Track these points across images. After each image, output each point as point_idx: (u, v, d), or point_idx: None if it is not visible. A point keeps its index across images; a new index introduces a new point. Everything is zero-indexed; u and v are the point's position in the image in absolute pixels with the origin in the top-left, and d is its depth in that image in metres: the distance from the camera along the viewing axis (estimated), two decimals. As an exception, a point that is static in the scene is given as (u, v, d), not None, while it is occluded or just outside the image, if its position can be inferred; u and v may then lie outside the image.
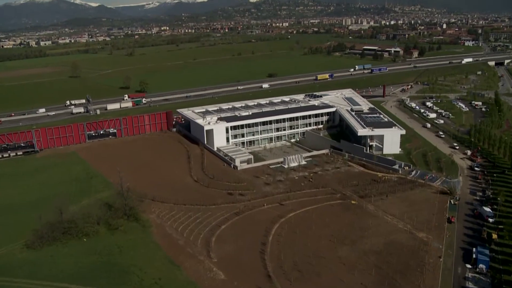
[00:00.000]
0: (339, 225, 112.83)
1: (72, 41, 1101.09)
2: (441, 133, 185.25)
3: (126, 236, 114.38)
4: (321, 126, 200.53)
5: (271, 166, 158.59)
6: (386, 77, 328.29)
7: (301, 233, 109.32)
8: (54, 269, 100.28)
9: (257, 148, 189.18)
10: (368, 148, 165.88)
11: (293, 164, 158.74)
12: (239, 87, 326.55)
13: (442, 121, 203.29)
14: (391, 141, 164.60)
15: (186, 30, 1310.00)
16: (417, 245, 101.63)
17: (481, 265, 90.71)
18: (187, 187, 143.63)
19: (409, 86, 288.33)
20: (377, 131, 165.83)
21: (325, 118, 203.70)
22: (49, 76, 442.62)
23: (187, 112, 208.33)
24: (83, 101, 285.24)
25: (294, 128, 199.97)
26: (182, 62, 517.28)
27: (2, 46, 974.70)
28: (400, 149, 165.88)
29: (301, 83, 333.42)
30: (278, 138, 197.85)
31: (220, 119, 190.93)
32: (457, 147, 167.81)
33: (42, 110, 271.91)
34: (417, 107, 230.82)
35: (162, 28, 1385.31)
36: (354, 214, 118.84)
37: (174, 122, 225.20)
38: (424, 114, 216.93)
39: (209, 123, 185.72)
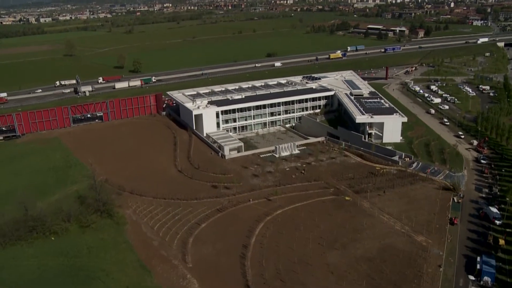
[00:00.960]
0: (330, 225, 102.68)
1: (73, 18, 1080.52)
2: (445, 120, 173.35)
3: (97, 234, 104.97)
4: (318, 110, 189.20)
5: (261, 155, 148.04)
6: (390, 58, 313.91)
7: (288, 235, 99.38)
8: (14, 274, 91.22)
9: (250, 133, 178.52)
10: (367, 136, 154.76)
11: (285, 153, 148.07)
12: (256, 64, 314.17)
13: (447, 107, 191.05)
14: (392, 129, 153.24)
15: (189, 7, 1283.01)
16: (415, 251, 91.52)
17: (486, 278, 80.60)
18: (170, 178, 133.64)
19: (414, 68, 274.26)
20: (377, 118, 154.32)
21: (322, 102, 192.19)
22: (44, 55, 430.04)
23: (177, 95, 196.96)
24: (73, 81, 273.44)
25: (289, 113, 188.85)
26: (181, 41, 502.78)
27: (1, 23, 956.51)
28: (401, 138, 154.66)
29: (303, 63, 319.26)
30: (273, 123, 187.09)
31: (211, 102, 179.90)
32: (463, 136, 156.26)
33: (3, 94, 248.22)
34: (421, 91, 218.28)
35: (164, 5, 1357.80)
36: (347, 212, 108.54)
37: (164, 105, 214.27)
38: (428, 98, 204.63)
39: (198, 107, 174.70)
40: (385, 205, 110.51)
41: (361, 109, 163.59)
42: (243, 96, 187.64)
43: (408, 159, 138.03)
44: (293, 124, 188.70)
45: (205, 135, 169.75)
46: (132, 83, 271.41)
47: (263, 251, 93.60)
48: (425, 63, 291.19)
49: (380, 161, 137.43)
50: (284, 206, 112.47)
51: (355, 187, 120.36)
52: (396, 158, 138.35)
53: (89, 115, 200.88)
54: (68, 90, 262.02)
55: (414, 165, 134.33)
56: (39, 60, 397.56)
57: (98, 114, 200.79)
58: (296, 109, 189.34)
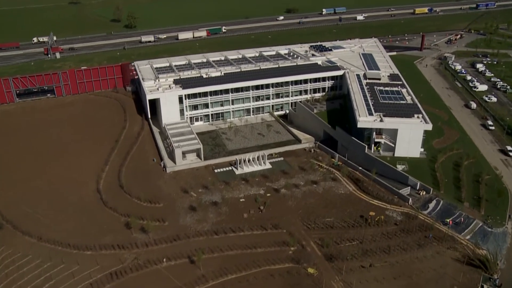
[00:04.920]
0: (263, 335, 62.24)
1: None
2: (489, 122, 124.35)
3: None
4: (320, 95, 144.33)
5: (216, 170, 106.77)
6: (431, 22, 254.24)
7: None
8: None
9: (224, 124, 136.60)
10: (372, 146, 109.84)
11: (248, 169, 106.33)
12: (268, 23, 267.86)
13: (494, 99, 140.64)
14: (409, 138, 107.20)
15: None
16: None
17: None
18: (79, 202, 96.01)
19: (458, 36, 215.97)
20: (389, 122, 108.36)
21: (328, 84, 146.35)
22: (48, 1, 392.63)
23: (144, 67, 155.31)
24: (54, 38, 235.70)
25: (282, 96, 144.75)
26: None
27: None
28: (422, 150, 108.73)
29: (324, 23, 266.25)
30: (259, 109, 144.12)
31: (177, 81, 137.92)
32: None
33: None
34: (463, 71, 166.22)
35: None
36: (302, 304, 67.32)
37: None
38: (471, 83, 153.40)
39: (158, 88, 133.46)
40: (367, 293, 68.40)
41: (371, 103, 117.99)
42: (222, 73, 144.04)
43: (424, 192, 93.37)
44: (287, 111, 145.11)
45: (163, 125, 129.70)
46: (198, 34, 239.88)
47: None
48: (474, 29, 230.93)
49: (381, 195, 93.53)
50: (209, 278, 72.66)
51: (329, 247, 78.12)
52: (407, 190, 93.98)
53: (45, 87, 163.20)
54: (42, 49, 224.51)
55: (432, 204, 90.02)
56: (39, 8, 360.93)
57: (55, 86, 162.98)
58: (292, 92, 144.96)
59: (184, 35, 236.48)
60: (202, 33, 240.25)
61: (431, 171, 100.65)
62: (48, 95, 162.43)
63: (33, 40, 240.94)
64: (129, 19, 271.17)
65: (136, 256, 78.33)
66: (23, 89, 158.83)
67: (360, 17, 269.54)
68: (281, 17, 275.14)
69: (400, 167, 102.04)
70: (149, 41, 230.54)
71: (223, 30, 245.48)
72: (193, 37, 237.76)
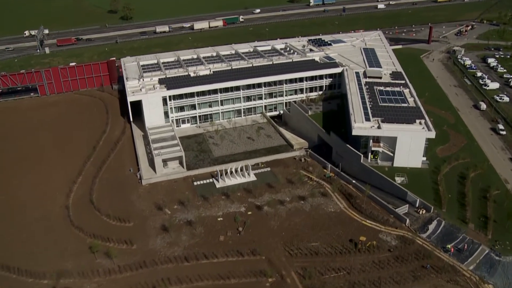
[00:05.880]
0: None
1: None
2: (500, 126, 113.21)
3: None
4: (315, 94, 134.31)
5: (195, 183, 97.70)
6: (440, 12, 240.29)
7: None
8: None
9: (214, 127, 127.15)
10: (369, 155, 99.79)
11: (231, 182, 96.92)
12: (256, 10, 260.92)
13: (507, 99, 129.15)
14: (409, 147, 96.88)
15: None
16: None
17: None
18: (43, 220, 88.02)
19: (469, 27, 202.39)
20: (387, 129, 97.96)
21: (325, 82, 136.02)
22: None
23: (131, 64, 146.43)
24: (46, 31, 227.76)
25: (276, 96, 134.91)
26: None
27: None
28: (424, 159, 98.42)
29: (329, 14, 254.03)
30: (251, 110, 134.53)
31: (162, 81, 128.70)
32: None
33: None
34: (473, 66, 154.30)
35: None
36: None
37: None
38: (481, 80, 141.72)
39: (141, 89, 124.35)
40: None
41: (369, 106, 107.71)
42: (212, 71, 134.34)
43: (423, 211, 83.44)
44: (281, 112, 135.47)
45: (147, 129, 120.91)
46: (214, 23, 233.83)
47: None
48: (487, 19, 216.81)
49: (375, 214, 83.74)
50: (173, 317, 63.84)
51: (312, 279, 68.84)
52: (404, 209, 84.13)
53: (29, 86, 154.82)
54: (32, 44, 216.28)
55: (432, 226, 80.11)
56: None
57: (38, 85, 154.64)
58: (286, 91, 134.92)
59: (199, 25, 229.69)
60: (219, 23, 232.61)
61: (433, 184, 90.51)
62: (32, 94, 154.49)
63: (25, 34, 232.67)
64: (124, 11, 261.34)
65: (97, 286, 69.87)
66: (5, 88, 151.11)
67: (381, 6, 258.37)
68: (258, 10, 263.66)
69: (398, 180, 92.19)
70: (164, 31, 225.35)
71: (241, 20, 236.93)
72: (209, 27, 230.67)
